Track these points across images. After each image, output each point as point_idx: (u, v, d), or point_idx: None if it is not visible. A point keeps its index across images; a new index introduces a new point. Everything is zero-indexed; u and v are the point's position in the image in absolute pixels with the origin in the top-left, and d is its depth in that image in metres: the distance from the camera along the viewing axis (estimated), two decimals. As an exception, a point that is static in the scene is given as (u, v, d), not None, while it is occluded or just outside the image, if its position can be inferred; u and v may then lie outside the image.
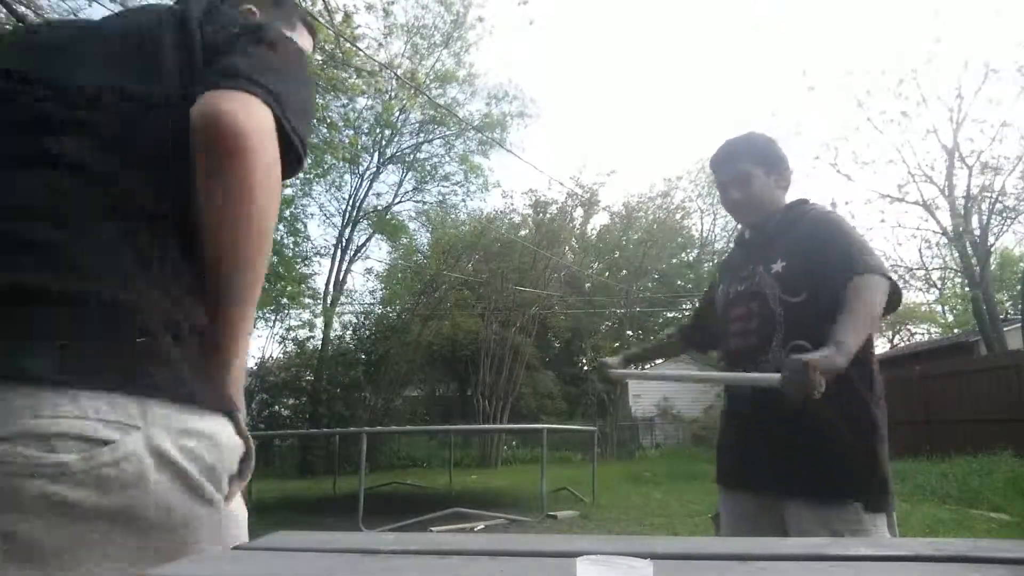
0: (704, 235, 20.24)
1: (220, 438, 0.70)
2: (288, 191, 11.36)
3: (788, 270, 1.43)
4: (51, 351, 0.60)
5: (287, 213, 11.83)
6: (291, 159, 0.76)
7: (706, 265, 20.18)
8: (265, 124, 0.69)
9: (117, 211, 0.68)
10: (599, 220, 18.76)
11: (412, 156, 15.45)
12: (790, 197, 1.59)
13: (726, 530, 1.54)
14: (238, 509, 0.80)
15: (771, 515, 1.41)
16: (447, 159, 15.65)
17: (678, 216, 19.74)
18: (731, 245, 2.01)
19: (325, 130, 8.45)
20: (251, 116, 0.68)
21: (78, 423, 0.59)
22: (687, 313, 21.93)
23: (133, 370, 0.63)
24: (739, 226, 1.73)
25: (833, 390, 1.22)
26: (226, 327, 0.75)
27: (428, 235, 18.17)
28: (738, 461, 1.53)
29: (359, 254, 16.11)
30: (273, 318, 14.63)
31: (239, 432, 0.73)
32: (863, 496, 1.29)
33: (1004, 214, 13.63)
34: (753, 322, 1.46)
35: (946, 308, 23.77)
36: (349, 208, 15.37)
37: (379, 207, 15.86)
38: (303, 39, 1.01)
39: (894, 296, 1.35)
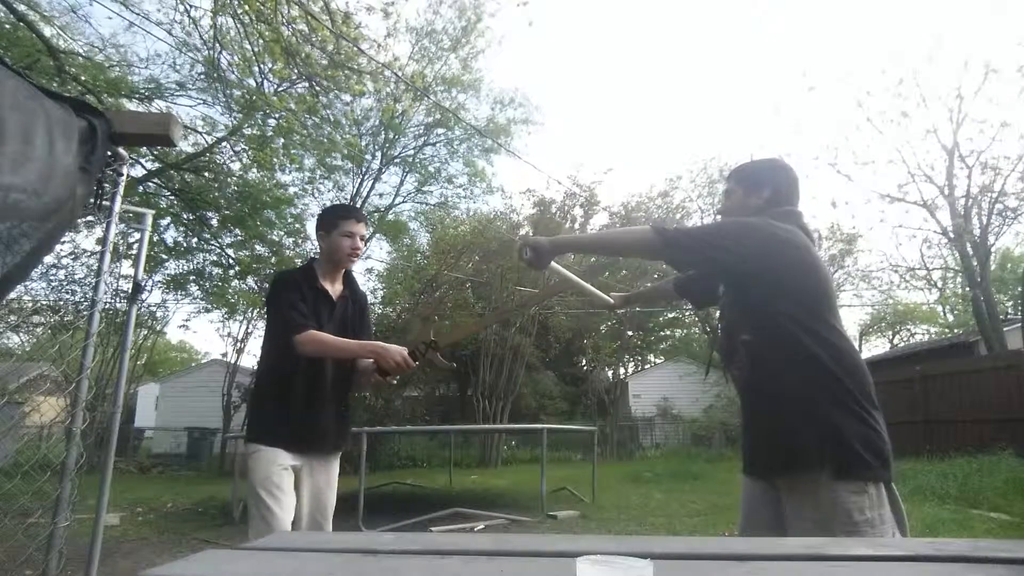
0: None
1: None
2: (292, 190, 11.33)
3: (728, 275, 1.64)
4: None
5: (288, 213, 11.80)
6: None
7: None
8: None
9: None
10: (599, 220, 18.72)
11: (414, 158, 15.41)
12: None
13: (742, 515, 1.63)
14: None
15: (771, 495, 1.50)
16: (450, 163, 15.61)
17: (678, 216, 19.70)
18: None
19: (328, 129, 8.45)
20: None
21: None
22: (687, 312, 21.89)
23: None
24: None
25: (770, 376, 1.46)
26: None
27: (428, 235, 18.14)
28: (741, 448, 1.67)
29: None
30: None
31: None
32: (827, 462, 1.35)
33: (1004, 214, 13.62)
34: (724, 324, 1.68)
35: (946, 308, 23.77)
36: (350, 208, 15.34)
37: (380, 208, 15.82)
38: None
39: (663, 247, 1.52)
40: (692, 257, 1.54)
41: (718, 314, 1.74)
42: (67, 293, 10.40)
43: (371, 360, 2.11)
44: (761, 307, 1.49)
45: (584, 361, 20.32)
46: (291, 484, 2.00)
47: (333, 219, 2.21)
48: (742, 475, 1.64)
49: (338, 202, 15.64)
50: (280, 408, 2.03)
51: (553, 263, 1.81)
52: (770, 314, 1.47)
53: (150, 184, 9.50)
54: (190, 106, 9.69)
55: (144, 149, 7.78)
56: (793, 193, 1.68)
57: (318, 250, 2.30)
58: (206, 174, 9.88)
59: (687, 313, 21.96)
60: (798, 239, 1.51)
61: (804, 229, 1.57)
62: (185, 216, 10.57)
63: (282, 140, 7.72)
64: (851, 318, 23.10)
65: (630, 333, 20.30)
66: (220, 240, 11.23)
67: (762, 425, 1.51)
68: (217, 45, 6.82)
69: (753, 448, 1.55)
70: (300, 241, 13.21)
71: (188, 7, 6.48)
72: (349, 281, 2.30)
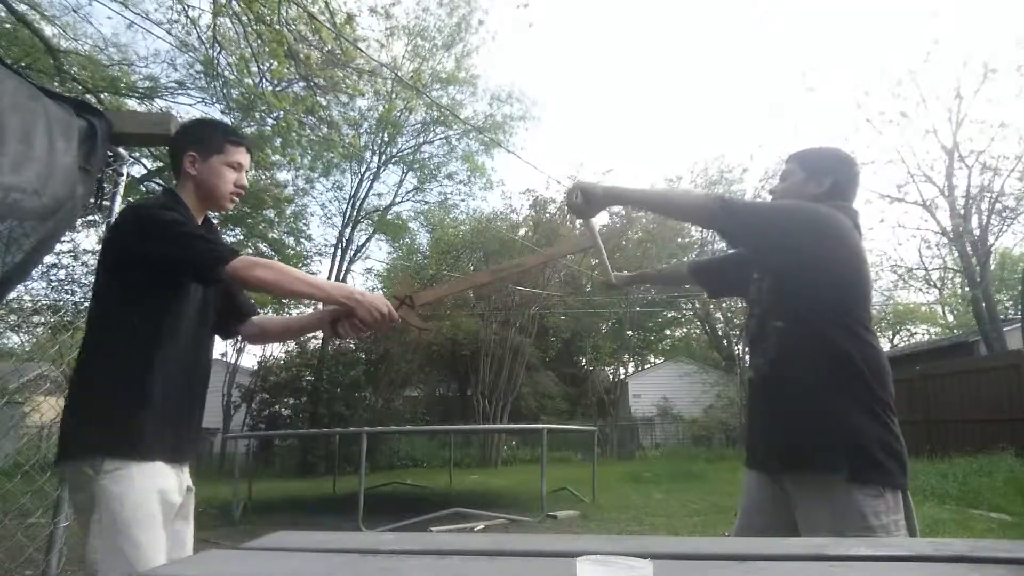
0: (704, 235, 20.24)
1: None
2: (289, 190, 11.34)
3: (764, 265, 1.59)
4: None
5: (289, 212, 11.80)
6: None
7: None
8: None
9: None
10: (599, 220, 18.74)
11: (413, 156, 15.43)
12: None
13: (741, 510, 1.60)
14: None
15: (776, 494, 1.48)
16: (449, 159, 15.65)
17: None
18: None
19: (326, 129, 8.47)
20: None
21: None
22: (687, 312, 21.88)
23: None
24: None
25: (796, 369, 1.42)
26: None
27: (428, 235, 18.16)
28: (747, 441, 1.64)
29: (359, 254, 16.12)
30: (274, 318, 14.60)
31: None
32: (847, 464, 1.33)
33: (1004, 214, 13.61)
34: (757, 310, 1.61)
35: (946, 308, 23.76)
36: (349, 208, 15.36)
37: (380, 207, 15.85)
38: None
39: (722, 217, 1.45)
40: (749, 233, 1.47)
41: (750, 298, 1.67)
42: (67, 293, 10.42)
43: (330, 308, 1.58)
44: (801, 296, 1.45)
45: (584, 361, 20.33)
46: None
47: (218, 140, 1.59)
48: (747, 469, 1.60)
49: (333, 204, 15.60)
50: (154, 402, 1.40)
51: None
52: (809, 305, 1.43)
53: (150, 184, 9.51)
54: (190, 105, 9.71)
55: (145, 150, 7.78)
56: (852, 188, 1.63)
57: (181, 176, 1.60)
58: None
59: (687, 313, 21.96)
60: (854, 237, 1.49)
61: (858, 228, 1.54)
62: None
63: (280, 140, 7.73)
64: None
65: (630, 333, 20.30)
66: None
67: (780, 418, 1.46)
68: (216, 45, 6.82)
69: (766, 442, 1.51)
70: (301, 240, 13.23)
71: (186, 7, 6.48)
72: (210, 228, 1.65)
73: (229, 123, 1.78)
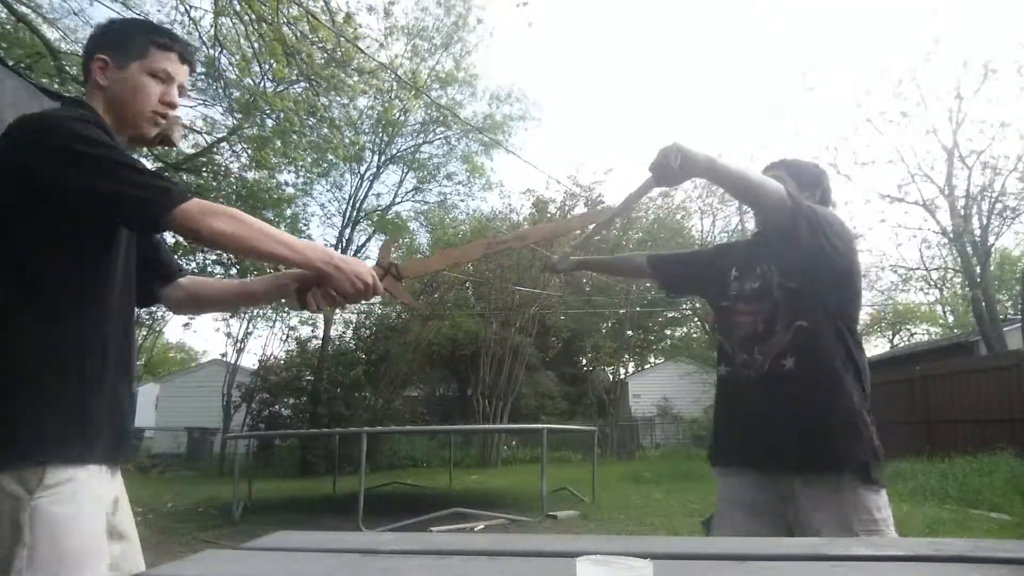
0: (704, 235, 20.25)
1: None
2: (290, 190, 11.34)
3: (788, 262, 1.56)
4: None
5: (288, 212, 11.77)
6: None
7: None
8: None
9: None
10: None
11: (413, 156, 15.45)
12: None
13: (731, 509, 1.56)
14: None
15: (763, 496, 1.48)
16: (448, 159, 15.67)
17: (678, 216, 19.73)
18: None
19: (326, 130, 8.47)
20: None
21: None
22: (687, 311, 21.87)
23: None
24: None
25: (814, 369, 1.44)
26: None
27: (428, 235, 18.17)
28: (734, 440, 1.61)
29: (359, 254, 16.12)
30: (275, 317, 14.62)
31: None
32: (856, 463, 1.38)
33: (1004, 214, 13.63)
34: (761, 312, 1.57)
35: (946, 308, 23.76)
36: (349, 208, 15.38)
37: (380, 207, 15.87)
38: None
39: (791, 212, 1.43)
40: (805, 234, 1.44)
41: (732, 294, 1.65)
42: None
43: (298, 272, 1.24)
44: (826, 297, 1.50)
45: (584, 361, 20.33)
46: None
47: (140, 42, 1.18)
48: (724, 467, 1.60)
49: (333, 204, 15.58)
50: (95, 391, 1.07)
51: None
52: (829, 306, 1.49)
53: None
54: (190, 107, 9.72)
55: (144, 149, 7.78)
56: (829, 200, 1.71)
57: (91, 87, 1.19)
58: (204, 173, 9.90)
59: (687, 312, 21.95)
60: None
61: None
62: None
63: (279, 142, 7.74)
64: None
65: (630, 333, 20.29)
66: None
67: (787, 418, 1.45)
68: (217, 44, 6.83)
69: (767, 442, 1.48)
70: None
71: (188, 7, 6.49)
72: None
73: (164, 26, 1.36)
